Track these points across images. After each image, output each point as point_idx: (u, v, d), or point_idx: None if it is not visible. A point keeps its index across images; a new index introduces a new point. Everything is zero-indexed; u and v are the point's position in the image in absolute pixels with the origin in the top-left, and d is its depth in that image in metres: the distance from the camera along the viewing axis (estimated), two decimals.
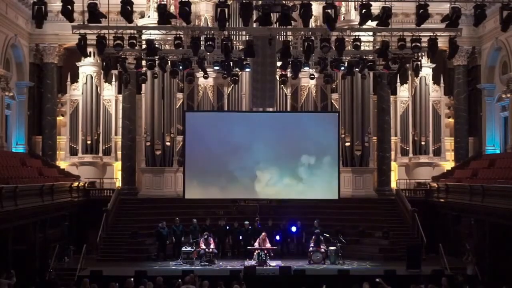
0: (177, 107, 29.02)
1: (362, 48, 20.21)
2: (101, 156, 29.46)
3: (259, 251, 22.28)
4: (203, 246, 22.54)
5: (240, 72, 24.65)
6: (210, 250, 22.50)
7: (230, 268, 21.19)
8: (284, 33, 22.55)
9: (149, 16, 27.46)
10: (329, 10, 15.51)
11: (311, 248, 22.92)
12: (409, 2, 18.01)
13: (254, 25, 18.94)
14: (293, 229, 24.53)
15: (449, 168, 29.27)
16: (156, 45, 19.41)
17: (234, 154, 26.80)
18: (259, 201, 26.75)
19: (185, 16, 15.91)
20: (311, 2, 15.71)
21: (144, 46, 19.26)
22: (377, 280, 15.98)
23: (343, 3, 27.15)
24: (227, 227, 24.50)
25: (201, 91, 29.33)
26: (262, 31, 17.49)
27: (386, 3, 15.80)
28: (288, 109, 29.40)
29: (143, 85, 27.50)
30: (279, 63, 20.82)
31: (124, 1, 15.35)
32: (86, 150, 29.17)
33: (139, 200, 28.21)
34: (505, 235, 20.92)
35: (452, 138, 30.22)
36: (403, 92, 29.95)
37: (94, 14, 15.56)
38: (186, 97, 29.57)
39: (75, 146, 29.31)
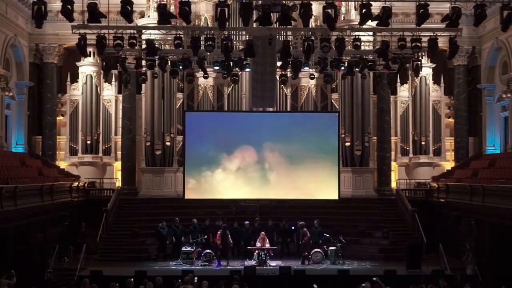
0: (177, 107, 29.02)
1: (362, 48, 20.26)
2: (101, 156, 29.47)
3: (259, 251, 22.28)
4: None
5: (240, 72, 24.69)
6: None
7: (230, 268, 21.19)
8: (284, 33, 22.54)
9: (149, 16, 27.46)
10: (329, 10, 15.53)
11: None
12: (409, 2, 18.00)
13: (254, 25, 18.96)
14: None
15: (449, 168, 29.26)
16: (156, 45, 19.44)
17: (234, 154, 26.82)
18: (259, 201, 26.74)
19: (185, 16, 15.91)
20: (311, 2, 15.71)
21: (144, 46, 19.28)
22: (374, 279, 16.01)
23: (343, 3, 27.16)
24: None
25: (201, 91, 29.33)
26: (262, 31, 17.49)
27: (386, 3, 15.80)
28: (288, 109, 29.39)
29: (143, 85, 27.37)
30: (279, 63, 20.82)
31: (124, 1, 15.35)
32: (86, 150, 29.18)
33: (139, 200, 28.19)
34: (505, 235, 20.90)
35: (452, 138, 30.22)
36: (403, 92, 29.97)
37: (94, 14, 15.56)
38: (186, 97, 29.57)
39: (75, 146, 29.31)
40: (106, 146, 29.57)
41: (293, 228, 24.24)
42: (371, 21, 16.48)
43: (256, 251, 22.36)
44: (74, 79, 29.66)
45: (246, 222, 24.42)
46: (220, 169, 26.87)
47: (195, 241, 23.11)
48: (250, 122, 27.48)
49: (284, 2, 15.73)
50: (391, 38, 19.94)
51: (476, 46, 29.35)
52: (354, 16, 26.76)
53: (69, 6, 14.97)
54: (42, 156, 28.67)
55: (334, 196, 26.90)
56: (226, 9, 15.59)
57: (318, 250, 23.00)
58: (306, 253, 22.87)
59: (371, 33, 23.63)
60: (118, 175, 29.56)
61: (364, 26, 17.38)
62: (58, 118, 29.67)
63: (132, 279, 16.26)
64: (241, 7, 15.48)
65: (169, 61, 21.11)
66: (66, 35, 26.25)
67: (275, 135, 27.01)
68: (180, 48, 19.40)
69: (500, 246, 21.33)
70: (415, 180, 29.58)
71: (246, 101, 28.85)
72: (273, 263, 22.11)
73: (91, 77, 29.37)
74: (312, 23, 25.50)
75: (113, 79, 29.33)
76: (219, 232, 23.02)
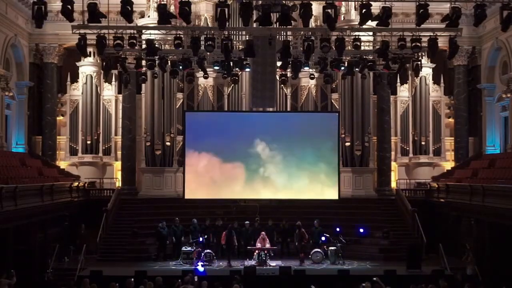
0: (177, 107, 29.02)
1: (362, 48, 20.26)
2: (101, 156, 29.47)
3: (259, 251, 22.28)
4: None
5: (240, 72, 24.68)
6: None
7: (230, 268, 21.19)
8: (284, 33, 22.56)
9: (149, 16, 27.47)
10: (329, 10, 15.53)
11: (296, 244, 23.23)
12: (409, 2, 18.00)
13: (254, 25, 18.95)
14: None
15: (449, 168, 29.27)
16: (156, 45, 19.44)
17: (234, 154, 26.82)
18: (259, 201, 26.74)
19: (185, 16, 15.91)
20: (311, 2, 15.71)
21: (144, 46, 19.28)
22: (374, 279, 16.04)
23: (343, 3, 27.17)
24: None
25: (201, 91, 29.32)
26: (262, 31, 17.49)
27: (386, 3, 15.80)
28: (288, 109, 29.39)
29: (143, 85, 27.42)
30: (279, 63, 20.82)
31: (124, 1, 15.35)
32: (86, 150, 29.19)
33: (139, 200, 28.19)
34: (505, 235, 20.91)
35: (452, 138, 30.22)
36: (403, 92, 29.99)
37: (94, 14, 15.56)
38: (186, 97, 29.57)
39: (75, 146, 29.31)
40: (106, 146, 29.58)
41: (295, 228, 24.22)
42: (371, 21, 16.47)
43: (256, 251, 22.36)
44: (74, 79, 29.67)
45: (246, 222, 24.41)
46: (220, 169, 26.86)
47: (195, 241, 23.10)
48: (250, 122, 27.48)
49: (284, 2, 15.73)
50: (391, 38, 19.96)
51: (476, 46, 29.34)
52: (354, 16, 26.76)
53: (69, 6, 14.97)
54: (42, 156, 28.68)
55: (334, 196, 26.92)
56: (226, 9, 15.59)
57: (318, 250, 22.99)
58: (303, 254, 22.81)
59: (371, 33, 23.63)
60: (118, 175, 29.56)
61: (364, 26, 17.38)
62: (58, 118, 29.68)
63: (132, 279, 16.28)
64: (241, 7, 15.48)
65: (169, 61, 21.11)
66: (66, 35, 26.25)
67: (275, 135, 27.00)
68: (180, 48, 19.41)
69: (500, 246, 21.34)
70: (415, 180, 29.59)
71: (246, 101, 28.84)
72: (273, 263, 22.10)
73: (91, 77, 29.37)
74: (312, 23, 25.49)
75: (113, 79, 29.35)
76: (224, 232, 23.01)
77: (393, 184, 29.42)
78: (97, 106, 29.47)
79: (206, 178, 26.91)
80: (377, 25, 16.80)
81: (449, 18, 15.78)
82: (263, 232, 23.09)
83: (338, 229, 23.71)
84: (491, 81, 28.95)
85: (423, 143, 29.59)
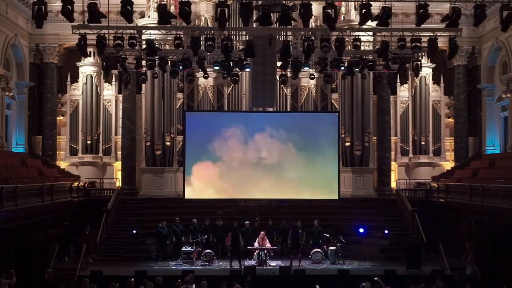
0: (177, 107, 29.03)
1: (362, 48, 20.27)
2: (101, 156, 29.48)
3: (259, 251, 22.28)
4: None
5: (240, 72, 24.69)
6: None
7: (230, 268, 21.19)
8: (284, 33, 22.56)
9: (149, 16, 27.48)
10: (329, 10, 15.54)
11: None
12: (409, 2, 18.01)
13: (254, 25, 18.98)
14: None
15: (449, 168, 29.28)
16: (156, 45, 19.44)
17: (234, 154, 26.83)
18: (259, 201, 26.74)
19: (185, 16, 15.93)
20: (311, 2, 15.73)
21: (144, 46, 19.29)
22: (375, 278, 16.04)
23: (343, 3, 27.20)
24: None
25: (201, 91, 29.34)
26: (262, 31, 17.52)
27: (386, 3, 15.81)
28: (288, 109, 29.40)
29: (143, 85, 27.53)
30: (279, 63, 20.83)
31: (124, 1, 15.37)
32: (86, 150, 29.20)
33: (139, 200, 28.20)
34: (505, 235, 20.91)
35: (452, 138, 30.24)
36: (403, 92, 30.03)
37: (94, 14, 15.58)
38: (186, 97, 29.59)
39: (75, 146, 29.32)
40: (106, 146, 29.59)
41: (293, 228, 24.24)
42: (371, 21, 16.49)
43: (256, 251, 22.37)
44: (74, 79, 29.69)
45: (246, 222, 24.39)
46: (220, 169, 26.87)
47: (195, 241, 23.12)
48: (250, 122, 27.49)
49: (284, 2, 15.75)
50: (391, 38, 19.99)
51: (476, 46, 29.35)
52: (354, 16, 26.77)
53: (69, 6, 15.00)
54: (42, 156, 28.68)
55: (334, 196, 26.91)
56: (226, 9, 15.61)
57: (318, 250, 22.98)
58: (300, 254, 22.79)
59: (371, 33, 23.64)
60: (118, 175, 29.57)
61: (364, 26, 17.40)
62: (58, 118, 29.69)
63: (132, 279, 16.29)
64: (241, 7, 15.50)
65: (169, 61, 21.13)
66: (66, 35, 26.26)
67: (275, 135, 27.01)
68: (180, 48, 19.44)
69: (500, 246, 21.34)
70: (415, 180, 29.60)
71: (246, 101, 28.86)
72: (273, 263, 22.11)
73: (91, 77, 29.39)
74: (312, 23, 25.51)
75: (113, 79, 29.38)
76: (229, 233, 22.98)
77: (393, 184, 29.43)
78: (97, 106, 29.48)
79: (206, 178, 26.89)
80: (377, 25, 16.82)
81: (449, 18, 15.79)
82: (262, 232, 23.08)
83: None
84: (491, 81, 28.96)
85: (423, 143, 29.60)
